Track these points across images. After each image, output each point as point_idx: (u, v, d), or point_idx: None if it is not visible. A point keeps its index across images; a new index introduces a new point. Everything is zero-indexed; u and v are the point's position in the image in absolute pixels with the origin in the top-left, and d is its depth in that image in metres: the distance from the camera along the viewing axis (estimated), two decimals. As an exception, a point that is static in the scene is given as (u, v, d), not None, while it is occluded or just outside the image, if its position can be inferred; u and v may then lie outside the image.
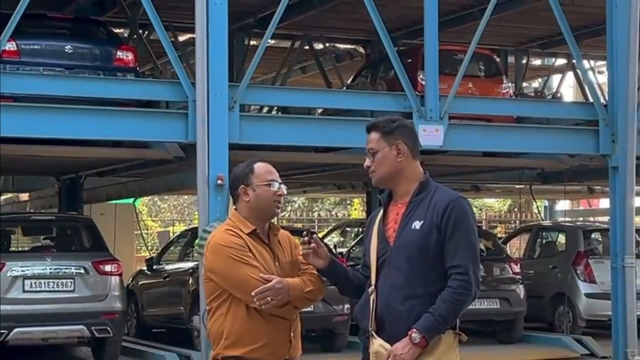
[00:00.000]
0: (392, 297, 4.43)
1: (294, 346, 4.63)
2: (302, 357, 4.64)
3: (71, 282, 12.58)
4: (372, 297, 4.49)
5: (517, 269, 15.32)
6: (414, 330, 4.28)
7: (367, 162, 4.60)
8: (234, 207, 4.76)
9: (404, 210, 4.52)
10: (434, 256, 4.37)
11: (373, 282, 4.51)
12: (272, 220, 4.78)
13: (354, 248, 17.39)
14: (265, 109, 15.32)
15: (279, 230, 4.76)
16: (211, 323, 4.59)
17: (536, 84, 24.46)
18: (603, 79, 17.13)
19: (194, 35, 11.88)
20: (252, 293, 4.40)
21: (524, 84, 21.03)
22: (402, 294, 4.40)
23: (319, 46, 19.47)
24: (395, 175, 4.56)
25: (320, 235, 17.85)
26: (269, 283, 4.43)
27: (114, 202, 22.35)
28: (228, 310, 4.51)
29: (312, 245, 4.60)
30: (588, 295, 15.59)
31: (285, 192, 4.75)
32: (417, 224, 4.43)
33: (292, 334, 4.61)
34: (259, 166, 4.68)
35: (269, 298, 4.41)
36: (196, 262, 12.43)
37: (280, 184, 4.68)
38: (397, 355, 4.29)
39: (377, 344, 4.43)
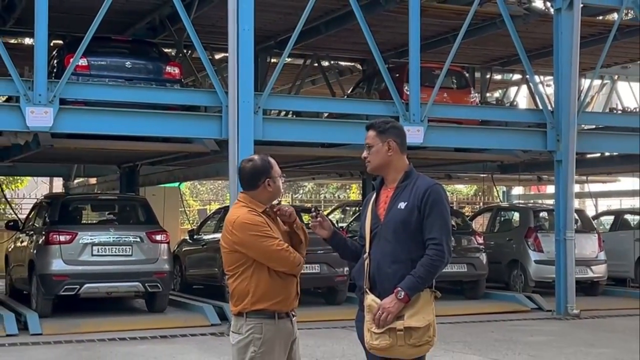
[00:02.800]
0: (382, 262, 4.40)
1: (298, 298, 4.60)
2: (308, 309, 4.57)
3: (129, 248, 12.53)
4: (367, 262, 4.46)
5: (480, 240, 15.22)
6: (399, 288, 4.27)
7: (364, 154, 4.58)
8: (245, 191, 4.58)
9: (392, 193, 4.50)
10: (415, 230, 4.36)
11: (367, 250, 4.48)
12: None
13: (352, 223, 17.29)
14: (283, 113, 15.38)
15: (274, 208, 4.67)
16: (236, 284, 4.48)
17: (497, 94, 24.37)
18: (550, 90, 17.19)
19: (227, 54, 11.89)
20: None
21: (488, 94, 20.95)
22: (390, 259, 4.38)
23: (325, 63, 19.22)
24: (385, 166, 4.54)
25: (325, 213, 17.97)
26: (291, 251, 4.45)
27: (163, 185, 22.34)
28: (252, 274, 4.43)
29: (319, 219, 4.58)
30: (537, 262, 15.52)
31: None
32: (402, 205, 4.40)
33: (297, 288, 4.59)
34: (273, 162, 4.59)
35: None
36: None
37: (284, 176, 4.67)
38: (385, 308, 4.28)
39: (370, 298, 4.39)
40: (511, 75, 22.43)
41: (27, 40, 17.39)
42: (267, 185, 4.54)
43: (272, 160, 4.61)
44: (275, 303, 4.45)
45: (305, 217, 14.09)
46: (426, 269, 4.31)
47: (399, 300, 4.28)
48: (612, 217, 19.06)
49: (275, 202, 4.64)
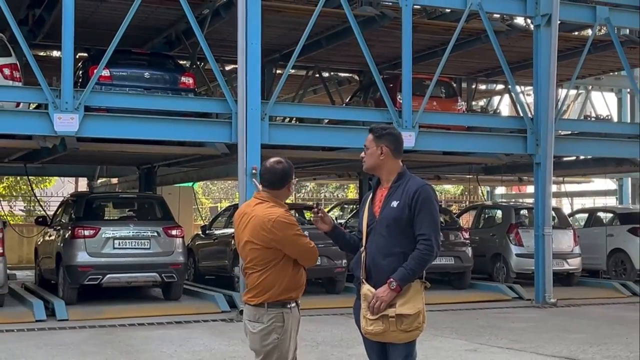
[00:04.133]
0: (377, 255, 4.40)
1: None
2: (310, 297, 4.58)
3: (147, 242, 12.54)
4: (363, 254, 4.47)
5: (466, 235, 15.23)
6: (392, 279, 4.28)
7: (362, 154, 4.59)
8: (269, 190, 4.54)
9: (386, 192, 4.50)
10: (406, 226, 4.36)
11: (364, 243, 4.49)
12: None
13: (350, 219, 17.29)
14: (287, 119, 15.38)
15: None
16: (263, 278, 4.44)
17: (482, 102, 24.39)
18: (530, 99, 17.19)
19: (237, 66, 11.89)
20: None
21: (473, 103, 20.97)
22: (384, 252, 4.38)
23: (325, 74, 19.18)
24: (378, 167, 4.53)
25: (325, 210, 17.94)
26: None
27: (178, 185, 22.36)
28: (281, 268, 4.43)
29: (320, 214, 4.59)
30: (518, 255, 15.51)
31: None
32: (394, 203, 4.41)
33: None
34: (292, 166, 4.62)
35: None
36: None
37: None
38: (379, 297, 4.28)
39: (366, 288, 4.40)
40: (494, 85, 22.37)
41: (55, 53, 17.38)
42: (290, 186, 4.59)
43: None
44: (295, 293, 4.50)
45: (307, 214, 14.10)
46: (416, 262, 4.31)
47: (391, 290, 4.28)
48: (586, 215, 19.06)
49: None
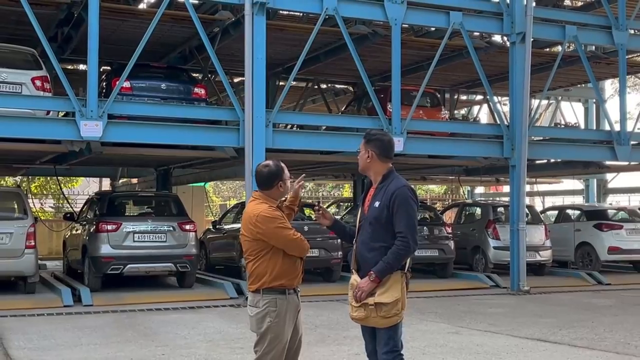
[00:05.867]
0: (363, 249, 4.43)
1: (302, 277, 4.62)
2: (309, 285, 4.57)
3: (164, 236, 12.53)
4: (354, 248, 4.51)
5: (449, 230, 15.20)
6: (371, 272, 4.29)
7: (358, 156, 4.60)
8: (260, 190, 4.56)
9: (373, 193, 4.50)
10: (386, 224, 4.33)
11: (355, 238, 4.53)
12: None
13: (345, 216, 17.17)
14: (289, 126, 15.40)
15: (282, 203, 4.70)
16: (255, 266, 4.45)
17: (463, 111, 24.41)
18: (506, 108, 17.19)
19: (244, 78, 11.93)
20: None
21: (455, 112, 21.03)
22: (368, 247, 4.39)
23: (323, 86, 19.27)
24: (366, 169, 4.53)
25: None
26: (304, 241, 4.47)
27: (191, 185, 22.45)
28: (270, 258, 4.42)
29: (320, 211, 4.63)
30: (495, 248, 15.51)
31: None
32: (377, 203, 4.39)
33: (301, 269, 4.60)
34: (284, 167, 4.58)
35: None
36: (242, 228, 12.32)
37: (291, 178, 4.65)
38: (360, 287, 4.30)
39: (353, 277, 4.45)
40: (474, 95, 22.39)
41: (81, 67, 17.34)
42: (279, 186, 4.55)
43: (283, 165, 4.61)
44: (287, 281, 4.45)
45: (307, 211, 14.07)
46: (394, 257, 4.29)
47: (371, 281, 4.29)
48: (556, 212, 19.05)
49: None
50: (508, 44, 14.19)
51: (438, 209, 21.42)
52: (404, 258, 4.34)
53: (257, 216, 4.43)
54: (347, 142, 12.80)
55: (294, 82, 16.82)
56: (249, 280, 4.55)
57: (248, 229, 4.47)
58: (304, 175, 4.73)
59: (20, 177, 23.65)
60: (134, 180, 23.90)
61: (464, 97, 22.19)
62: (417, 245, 4.37)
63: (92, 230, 12.56)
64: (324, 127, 14.46)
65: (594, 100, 23.76)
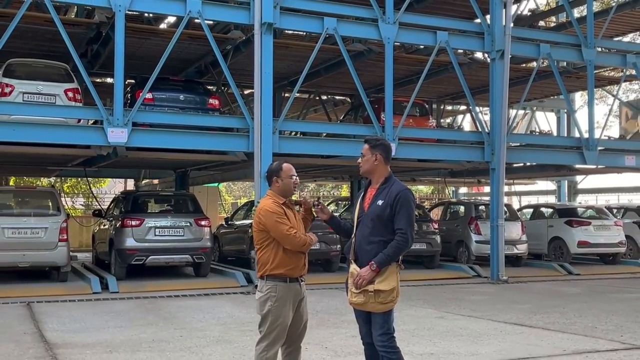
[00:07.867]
0: (362, 242, 4.40)
1: (306, 268, 4.59)
2: (311, 275, 4.55)
3: (182, 230, 12.50)
4: (353, 240, 4.48)
5: (436, 226, 15.20)
6: (373, 262, 4.28)
7: (359, 160, 4.52)
8: (270, 188, 4.59)
9: (374, 192, 4.47)
10: (387, 221, 4.33)
11: (354, 232, 4.49)
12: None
13: (343, 213, 17.27)
14: (294, 133, 15.41)
15: (292, 201, 4.68)
16: (261, 255, 4.47)
17: (448, 120, 24.43)
18: (487, 117, 17.19)
19: (253, 90, 11.89)
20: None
21: (442, 120, 21.04)
22: (368, 240, 4.36)
23: (324, 97, 19.28)
24: (371, 171, 4.50)
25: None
26: (303, 237, 4.41)
27: (206, 185, 22.45)
28: (273, 248, 4.42)
29: (320, 206, 4.61)
30: (477, 242, 15.49)
31: (299, 181, 4.64)
32: (380, 202, 4.37)
33: (305, 260, 4.56)
34: (285, 166, 4.57)
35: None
36: (252, 220, 12.30)
37: (296, 177, 4.58)
38: (361, 275, 4.28)
39: (352, 267, 4.41)
40: (459, 106, 22.41)
41: (108, 80, 17.37)
42: (276, 182, 4.53)
43: (286, 165, 4.57)
44: (288, 270, 4.43)
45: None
46: (394, 250, 4.29)
47: (372, 270, 4.28)
48: (531, 210, 19.04)
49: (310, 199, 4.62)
50: (489, 60, 14.18)
51: (426, 207, 21.41)
52: (402, 252, 4.33)
53: (261, 209, 4.48)
54: (345, 148, 12.81)
55: (298, 94, 16.86)
56: (257, 266, 4.56)
57: (255, 221, 4.52)
58: (319, 205, 4.62)
59: (54, 178, 23.74)
60: (155, 181, 23.89)
61: (449, 107, 22.16)
62: (413, 241, 4.36)
63: (118, 225, 12.55)
64: (324, 134, 14.45)
65: (565, 111, 23.77)
